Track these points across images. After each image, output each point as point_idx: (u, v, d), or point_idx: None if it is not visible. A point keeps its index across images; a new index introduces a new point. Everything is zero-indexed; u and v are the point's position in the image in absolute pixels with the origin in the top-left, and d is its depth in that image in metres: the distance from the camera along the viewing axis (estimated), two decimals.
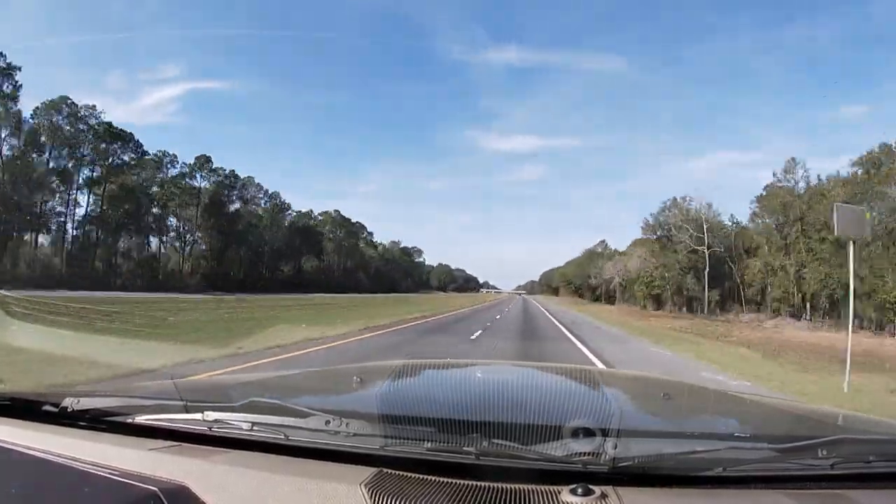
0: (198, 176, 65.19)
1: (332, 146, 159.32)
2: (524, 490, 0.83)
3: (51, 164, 51.30)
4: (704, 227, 50.01)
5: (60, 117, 51.24)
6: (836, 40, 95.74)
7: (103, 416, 1.10)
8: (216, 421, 1.02)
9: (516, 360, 9.13)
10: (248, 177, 71.45)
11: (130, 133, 56.99)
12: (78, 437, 1.04)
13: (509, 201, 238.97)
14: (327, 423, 0.97)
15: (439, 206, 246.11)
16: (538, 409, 1.43)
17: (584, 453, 0.86)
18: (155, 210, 60.65)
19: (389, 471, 0.88)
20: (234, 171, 69.15)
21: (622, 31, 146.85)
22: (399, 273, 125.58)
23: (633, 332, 20.14)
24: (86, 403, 1.12)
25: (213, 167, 66.49)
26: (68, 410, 1.10)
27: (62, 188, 52.60)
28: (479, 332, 16.30)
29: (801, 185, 44.20)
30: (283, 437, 0.96)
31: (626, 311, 45.75)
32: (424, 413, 1.23)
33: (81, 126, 52.80)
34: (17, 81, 46.17)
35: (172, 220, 63.06)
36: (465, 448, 0.89)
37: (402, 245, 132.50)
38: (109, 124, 54.90)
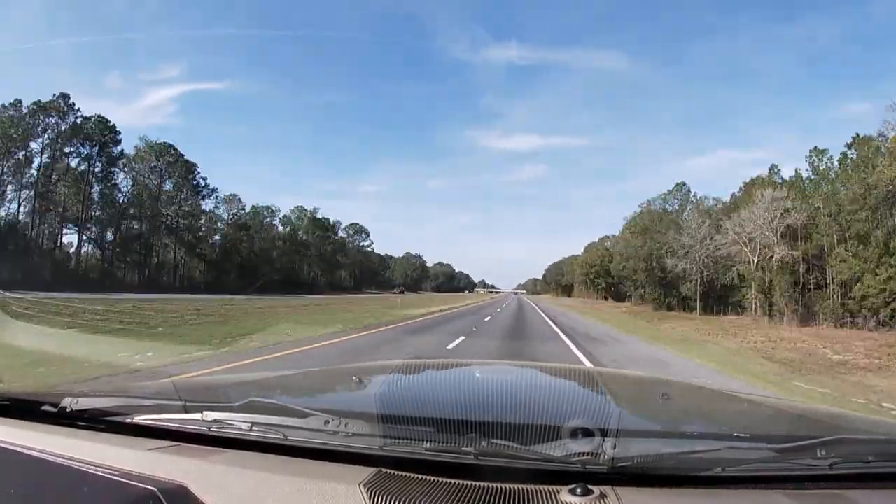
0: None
1: (331, 146, 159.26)
2: (523, 490, 0.83)
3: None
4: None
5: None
6: (838, 37, 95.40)
7: (102, 416, 1.10)
8: (215, 421, 1.02)
9: None
10: (231, 194, 69.18)
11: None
12: (77, 437, 1.03)
13: (510, 201, 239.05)
14: (326, 423, 0.97)
15: (440, 205, 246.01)
16: (537, 409, 1.43)
17: (584, 453, 0.86)
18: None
19: (388, 471, 0.88)
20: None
21: (623, 30, 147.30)
22: (320, 261, 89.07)
23: None
24: (85, 403, 1.11)
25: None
26: (67, 410, 1.10)
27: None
28: None
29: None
30: (282, 437, 0.96)
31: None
32: (423, 413, 1.23)
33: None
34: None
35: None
36: (464, 448, 0.89)
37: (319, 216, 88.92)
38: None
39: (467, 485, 0.84)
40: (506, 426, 1.04)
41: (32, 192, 49.06)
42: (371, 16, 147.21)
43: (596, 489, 0.81)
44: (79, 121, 52.35)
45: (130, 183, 57.43)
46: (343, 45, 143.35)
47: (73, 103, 52.05)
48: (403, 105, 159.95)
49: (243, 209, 72.45)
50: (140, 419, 1.07)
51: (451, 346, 11.60)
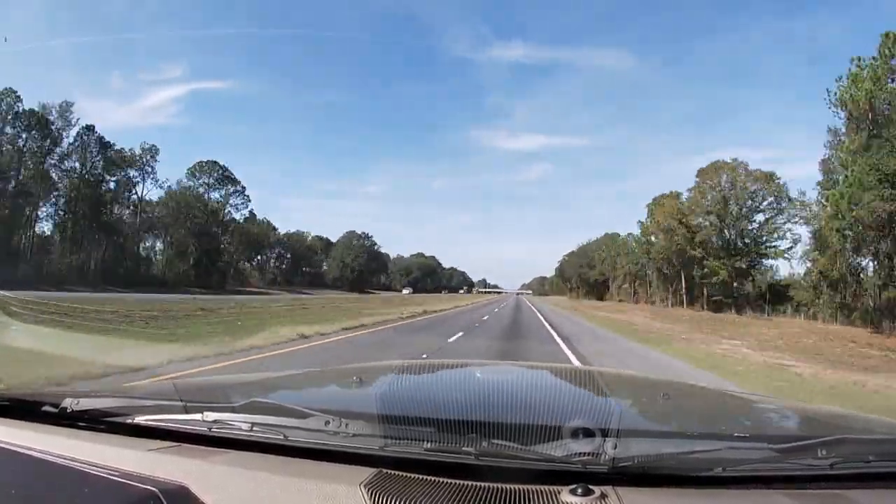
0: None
1: (333, 146, 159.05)
2: (524, 490, 0.83)
3: None
4: None
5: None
6: (842, 34, 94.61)
7: (103, 417, 1.10)
8: (216, 421, 1.02)
9: None
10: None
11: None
12: (77, 438, 1.03)
13: (512, 201, 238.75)
14: (327, 423, 0.97)
15: (443, 206, 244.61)
16: (538, 409, 1.43)
17: (584, 453, 0.86)
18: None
19: (389, 471, 0.88)
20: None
21: (627, 29, 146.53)
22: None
23: None
24: (85, 404, 1.12)
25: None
26: (68, 411, 1.10)
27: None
28: None
29: None
30: (282, 437, 0.96)
31: None
32: (424, 413, 1.23)
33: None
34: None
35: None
36: (464, 448, 0.89)
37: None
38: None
39: (468, 485, 0.84)
40: (506, 426, 1.04)
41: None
42: (373, 15, 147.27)
43: (597, 489, 0.80)
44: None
45: None
46: (344, 45, 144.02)
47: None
48: (405, 105, 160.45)
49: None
50: (141, 419, 1.07)
51: None
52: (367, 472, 0.87)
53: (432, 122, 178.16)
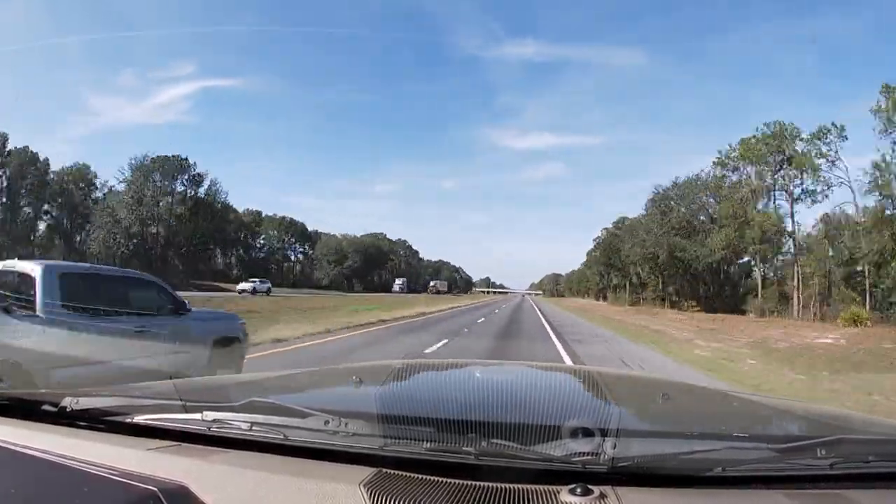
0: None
1: (343, 145, 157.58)
2: (523, 490, 0.83)
3: None
4: None
5: None
6: (858, 31, 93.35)
7: (102, 416, 1.10)
8: (215, 421, 1.02)
9: None
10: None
11: None
12: (77, 437, 1.04)
13: (522, 200, 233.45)
14: (326, 423, 0.97)
15: (452, 205, 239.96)
16: (537, 409, 1.43)
17: (584, 453, 0.86)
18: None
19: (389, 471, 0.88)
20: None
21: (639, 25, 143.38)
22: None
23: None
24: (85, 403, 1.12)
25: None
26: (67, 410, 1.10)
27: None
28: None
29: None
30: (282, 437, 0.96)
31: None
32: (424, 413, 1.23)
33: None
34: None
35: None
36: (464, 448, 0.90)
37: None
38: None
39: (467, 485, 0.84)
40: (506, 426, 1.04)
41: None
42: (383, 13, 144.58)
43: (596, 489, 0.80)
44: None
45: None
46: (354, 43, 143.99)
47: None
48: (415, 104, 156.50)
49: None
50: (140, 419, 1.07)
51: None
52: (366, 472, 0.87)
53: (442, 122, 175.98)
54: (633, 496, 0.81)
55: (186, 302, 5.65)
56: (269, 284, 47.64)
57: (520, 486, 0.84)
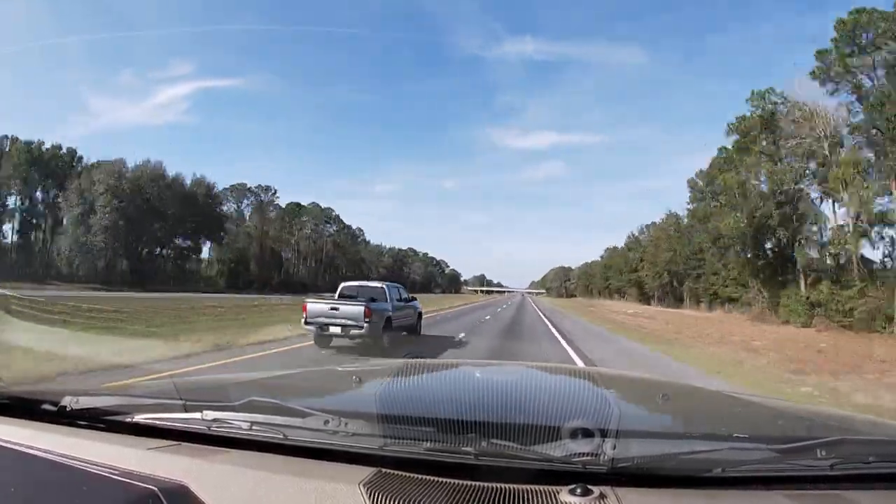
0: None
1: (343, 145, 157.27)
2: (523, 490, 0.83)
3: None
4: None
5: None
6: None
7: (103, 416, 1.10)
8: (215, 420, 1.02)
9: None
10: None
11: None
12: (77, 437, 1.04)
13: (522, 199, 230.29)
14: (326, 422, 0.97)
15: (452, 205, 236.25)
16: (537, 409, 1.43)
17: (583, 454, 0.86)
18: None
19: (388, 471, 0.88)
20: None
21: (641, 23, 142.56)
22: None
23: None
24: (85, 402, 1.12)
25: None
26: (67, 410, 1.10)
27: None
28: None
29: None
30: (282, 436, 0.96)
31: None
32: (423, 413, 1.23)
33: None
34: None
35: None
36: (464, 448, 0.90)
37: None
38: None
39: (467, 485, 0.84)
40: (506, 426, 1.04)
41: None
42: (383, 13, 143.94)
43: (596, 489, 0.80)
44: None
45: None
46: (355, 43, 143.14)
47: None
48: (415, 103, 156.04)
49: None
50: (140, 418, 1.07)
51: None
52: (366, 472, 0.87)
53: (442, 121, 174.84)
54: (633, 497, 0.81)
55: (413, 297, 13.68)
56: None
57: (519, 486, 0.84)
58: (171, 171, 57.11)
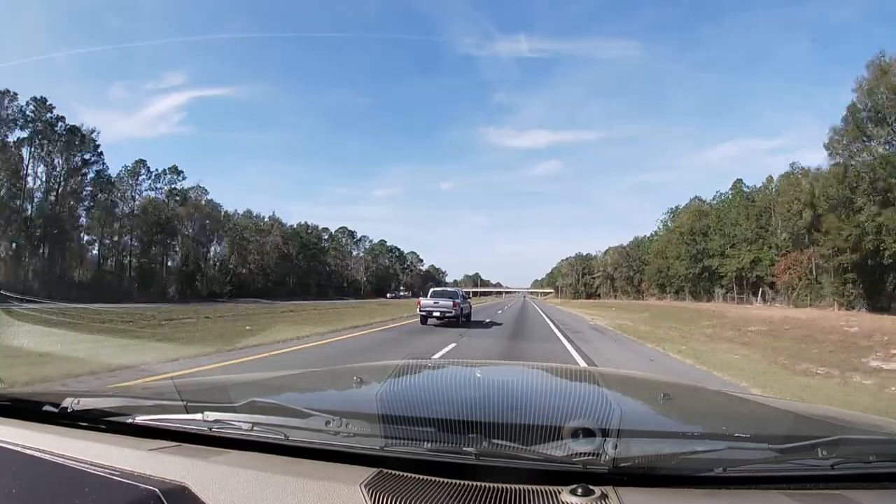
0: None
1: (340, 150, 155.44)
2: (524, 490, 0.83)
3: None
4: None
5: None
6: (856, 16, 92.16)
7: (103, 417, 1.10)
8: (216, 421, 1.02)
9: None
10: None
11: None
12: (78, 438, 1.04)
13: (522, 198, 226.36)
14: (327, 423, 0.97)
15: (451, 206, 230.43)
16: (538, 409, 1.43)
17: (584, 454, 0.86)
18: None
19: (389, 471, 0.88)
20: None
21: (635, 17, 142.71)
22: None
23: None
24: (86, 403, 1.12)
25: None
26: (68, 411, 1.10)
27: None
28: None
29: None
30: (283, 437, 0.96)
31: None
32: (424, 413, 1.23)
33: None
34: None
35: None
36: (464, 448, 0.90)
37: None
38: None
39: (468, 485, 0.84)
40: (507, 426, 1.04)
41: None
42: (376, 15, 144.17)
43: (597, 489, 0.80)
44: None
45: None
46: (350, 47, 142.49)
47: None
48: (412, 106, 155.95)
49: None
50: (141, 419, 1.07)
51: None
52: (367, 472, 0.87)
53: (439, 123, 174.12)
54: (634, 496, 0.81)
55: (467, 294, 23.03)
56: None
57: (520, 486, 0.84)
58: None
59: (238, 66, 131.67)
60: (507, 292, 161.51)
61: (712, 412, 1.57)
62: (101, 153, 54.18)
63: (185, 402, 1.10)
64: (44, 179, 49.09)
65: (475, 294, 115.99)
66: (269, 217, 79.59)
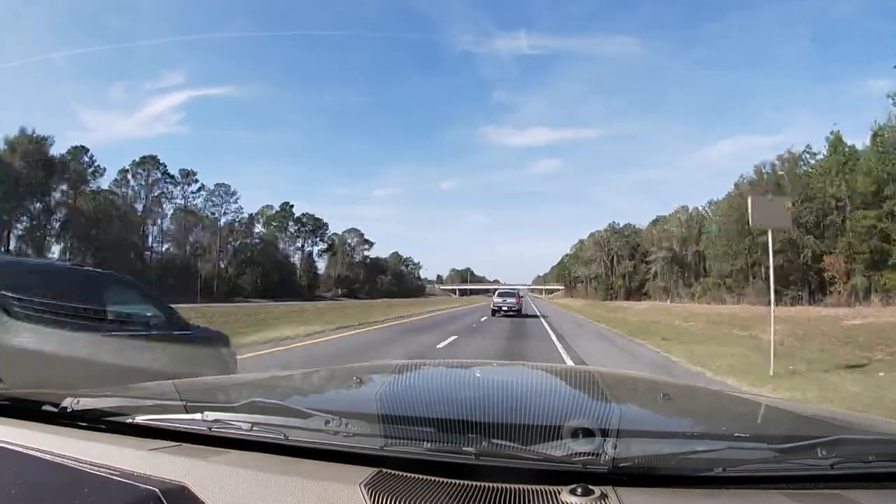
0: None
1: (339, 150, 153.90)
2: (524, 490, 0.83)
3: None
4: None
5: None
6: (857, 11, 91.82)
7: (103, 416, 1.10)
8: (216, 421, 1.02)
9: None
10: None
11: None
12: (78, 437, 1.04)
13: (524, 198, 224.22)
14: (327, 423, 0.97)
15: (451, 206, 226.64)
16: (538, 409, 1.43)
17: (584, 453, 0.86)
18: None
19: (389, 471, 0.88)
20: None
21: (634, 14, 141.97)
22: None
23: None
24: (86, 403, 1.12)
25: None
26: (68, 410, 1.10)
27: None
28: None
29: None
30: (282, 437, 0.96)
31: None
32: (424, 413, 1.23)
33: None
34: None
35: None
36: (464, 448, 0.89)
37: None
38: None
39: (468, 485, 0.84)
40: (506, 426, 1.04)
41: None
42: (375, 14, 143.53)
43: (596, 489, 0.80)
44: None
45: None
46: (350, 47, 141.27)
47: None
48: (411, 105, 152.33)
49: None
50: (141, 419, 1.07)
51: None
52: (367, 472, 0.87)
53: (439, 122, 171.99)
54: (633, 496, 0.81)
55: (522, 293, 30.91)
56: None
57: (520, 486, 0.84)
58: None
59: (238, 65, 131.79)
60: (502, 290, 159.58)
61: (712, 412, 1.57)
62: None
63: (184, 402, 1.11)
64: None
65: (463, 293, 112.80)
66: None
